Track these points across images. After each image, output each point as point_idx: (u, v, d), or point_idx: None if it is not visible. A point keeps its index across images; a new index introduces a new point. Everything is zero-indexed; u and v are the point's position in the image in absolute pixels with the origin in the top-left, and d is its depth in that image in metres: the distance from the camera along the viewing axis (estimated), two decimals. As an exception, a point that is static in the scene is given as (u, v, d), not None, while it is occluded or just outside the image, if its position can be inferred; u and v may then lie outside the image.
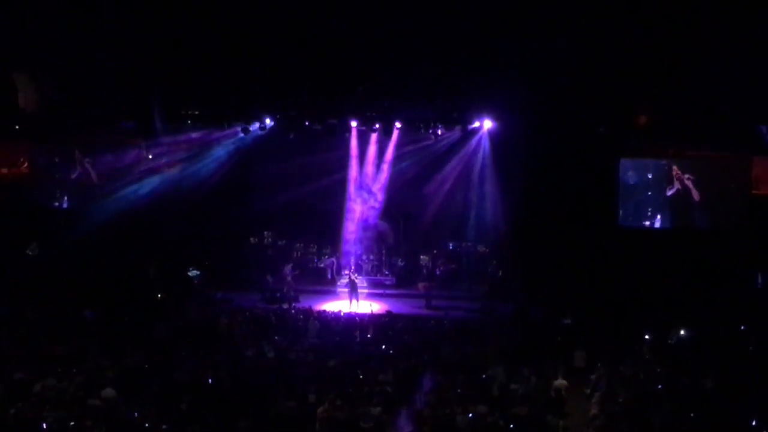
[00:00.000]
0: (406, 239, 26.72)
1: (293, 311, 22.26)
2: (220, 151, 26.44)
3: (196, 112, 25.85)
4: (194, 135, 26.26)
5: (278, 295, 24.20)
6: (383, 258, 26.62)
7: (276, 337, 19.50)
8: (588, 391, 16.92)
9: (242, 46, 23.63)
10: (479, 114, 25.12)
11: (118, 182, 25.68)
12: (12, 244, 24.35)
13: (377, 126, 25.75)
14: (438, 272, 26.01)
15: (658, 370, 17.41)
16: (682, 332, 19.52)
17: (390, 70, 23.39)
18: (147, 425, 14.37)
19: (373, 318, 21.84)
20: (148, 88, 24.77)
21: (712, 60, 21.92)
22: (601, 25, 22.06)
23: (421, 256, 26.50)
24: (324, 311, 22.38)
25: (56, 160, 25.96)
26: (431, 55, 23.15)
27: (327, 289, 25.36)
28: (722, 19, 21.20)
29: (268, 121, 25.49)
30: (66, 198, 25.69)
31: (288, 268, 24.87)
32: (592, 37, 22.27)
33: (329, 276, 26.42)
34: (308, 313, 21.68)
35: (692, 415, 15.05)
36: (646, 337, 19.49)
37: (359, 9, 22.02)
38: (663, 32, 21.99)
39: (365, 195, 26.74)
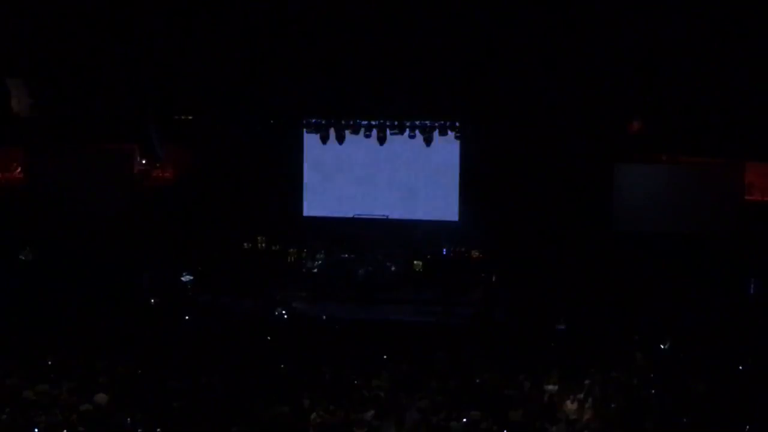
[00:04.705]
0: (399, 244, 26.69)
1: (286, 316, 22.24)
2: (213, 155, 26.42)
3: (190, 117, 25.88)
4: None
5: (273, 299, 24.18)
6: (376, 263, 26.58)
7: (269, 340, 19.52)
8: (581, 396, 16.91)
9: (237, 49, 23.68)
10: (471, 117, 25.16)
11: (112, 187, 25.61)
12: (5, 249, 24.29)
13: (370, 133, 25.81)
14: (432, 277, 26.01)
15: (651, 375, 17.45)
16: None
17: (383, 72, 23.44)
18: (140, 430, 14.36)
19: (366, 322, 21.84)
20: (142, 92, 24.76)
21: (706, 65, 21.98)
22: (596, 29, 22.11)
23: (414, 262, 26.47)
24: (317, 316, 22.36)
25: (50, 165, 25.88)
26: (424, 59, 23.21)
27: (321, 294, 25.31)
28: (717, 24, 21.25)
29: None
30: (59, 203, 25.58)
31: None
32: (587, 42, 22.32)
33: (322, 281, 26.39)
34: (301, 317, 21.69)
35: (685, 420, 15.09)
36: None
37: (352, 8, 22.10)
38: (657, 37, 22.03)
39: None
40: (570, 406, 16.67)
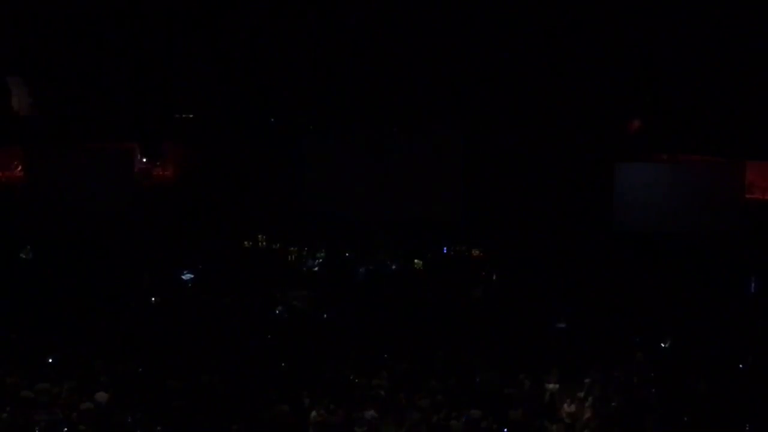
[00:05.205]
0: (400, 243, 26.68)
1: (287, 315, 22.26)
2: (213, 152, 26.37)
3: (191, 116, 25.87)
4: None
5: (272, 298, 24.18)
6: (377, 262, 26.58)
7: (269, 339, 19.54)
8: (582, 394, 16.93)
9: (239, 48, 23.69)
10: (472, 117, 25.13)
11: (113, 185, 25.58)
12: (5, 248, 24.29)
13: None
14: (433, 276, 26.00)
15: (652, 374, 17.46)
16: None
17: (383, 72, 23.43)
18: (140, 429, 14.38)
19: (366, 321, 21.85)
20: (143, 90, 24.75)
21: (706, 65, 21.98)
22: (596, 29, 22.11)
23: (415, 260, 26.48)
24: (317, 315, 22.37)
25: (50, 163, 25.85)
26: (425, 58, 23.20)
27: (321, 293, 25.29)
28: (717, 23, 21.26)
29: None
30: (60, 202, 25.57)
31: None
32: (587, 42, 22.32)
33: (322, 280, 26.37)
34: (301, 316, 21.71)
35: (685, 419, 15.11)
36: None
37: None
38: (658, 37, 22.04)
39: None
40: (568, 408, 16.68)
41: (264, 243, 27.21)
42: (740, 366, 18.04)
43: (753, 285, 23.19)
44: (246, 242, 27.16)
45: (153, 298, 23.31)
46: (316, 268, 26.56)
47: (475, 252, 26.56)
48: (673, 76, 22.62)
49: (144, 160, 26.52)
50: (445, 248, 26.83)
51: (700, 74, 22.19)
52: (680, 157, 24.83)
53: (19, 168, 26.06)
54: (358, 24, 22.81)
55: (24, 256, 24.83)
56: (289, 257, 26.80)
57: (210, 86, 24.69)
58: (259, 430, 14.71)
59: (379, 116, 25.50)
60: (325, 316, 22.57)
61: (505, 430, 15.01)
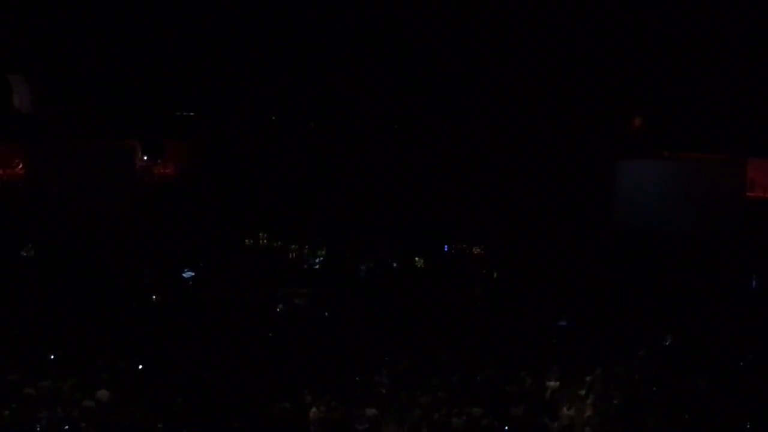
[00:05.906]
0: (400, 241, 26.67)
1: (288, 313, 22.27)
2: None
3: (192, 113, 25.89)
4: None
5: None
6: (378, 260, 26.59)
7: (270, 336, 19.56)
8: (583, 392, 16.95)
9: (241, 47, 23.74)
10: (473, 115, 25.16)
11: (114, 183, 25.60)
12: (7, 246, 24.31)
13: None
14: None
15: (653, 372, 17.47)
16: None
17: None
18: (141, 426, 14.41)
19: (367, 319, 21.87)
20: (144, 88, 24.78)
21: (707, 63, 21.99)
22: (597, 28, 22.13)
23: (416, 258, 26.48)
24: (318, 313, 22.37)
25: (52, 161, 25.87)
26: (426, 58, 23.26)
27: (322, 291, 25.29)
28: (719, 19, 21.28)
29: None
30: (61, 199, 25.59)
31: None
32: (589, 41, 22.34)
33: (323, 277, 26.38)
34: (302, 313, 21.73)
35: (686, 416, 15.12)
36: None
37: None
38: (659, 36, 22.05)
39: None
40: (567, 412, 16.61)
41: (265, 241, 27.23)
42: (741, 364, 18.05)
43: (753, 283, 23.20)
44: (247, 240, 27.19)
45: (154, 296, 23.32)
46: (317, 266, 26.59)
47: (476, 250, 26.59)
48: (673, 75, 22.64)
49: (145, 157, 26.53)
50: (446, 246, 26.84)
51: (700, 72, 22.20)
52: (681, 155, 24.84)
53: (21, 166, 26.09)
54: (355, 23, 22.85)
55: (25, 254, 24.85)
56: (290, 255, 26.82)
57: (211, 84, 24.74)
58: (260, 428, 14.73)
59: (381, 112, 25.55)
60: (326, 314, 22.55)
61: (506, 427, 15.01)
